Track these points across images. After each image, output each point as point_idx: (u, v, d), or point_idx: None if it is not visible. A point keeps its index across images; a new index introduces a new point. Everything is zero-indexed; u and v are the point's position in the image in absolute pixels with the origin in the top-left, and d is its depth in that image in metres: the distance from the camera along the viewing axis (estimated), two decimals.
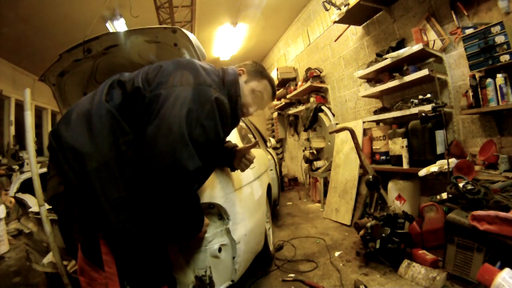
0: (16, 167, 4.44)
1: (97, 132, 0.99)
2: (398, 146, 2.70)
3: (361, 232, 2.13)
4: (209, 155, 1.11)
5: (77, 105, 1.09)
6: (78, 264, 1.06)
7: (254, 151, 1.58)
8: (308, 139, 4.57)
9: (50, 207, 1.26)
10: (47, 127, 6.48)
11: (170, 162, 0.91)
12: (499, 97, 1.98)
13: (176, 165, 0.91)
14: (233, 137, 2.21)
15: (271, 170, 3.33)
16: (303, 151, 4.55)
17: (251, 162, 1.52)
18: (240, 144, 2.23)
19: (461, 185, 1.84)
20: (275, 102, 6.39)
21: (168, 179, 0.92)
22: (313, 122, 4.27)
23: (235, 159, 1.50)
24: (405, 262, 1.92)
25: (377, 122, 3.26)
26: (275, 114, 6.73)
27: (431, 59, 2.58)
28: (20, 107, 5.17)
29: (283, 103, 5.91)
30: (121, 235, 0.97)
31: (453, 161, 2.19)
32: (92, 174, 0.94)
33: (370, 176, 2.43)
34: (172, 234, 1.22)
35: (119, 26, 4.33)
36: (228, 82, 1.21)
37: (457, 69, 2.49)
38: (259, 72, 1.34)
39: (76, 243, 1.08)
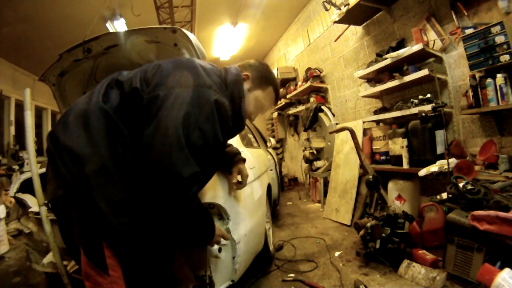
0: (16, 167, 4.44)
1: (95, 134, 0.96)
2: (398, 146, 2.70)
3: (361, 232, 2.13)
4: (209, 159, 1.07)
5: (74, 106, 1.06)
6: (82, 269, 1.03)
7: (254, 151, 1.60)
8: (308, 139, 4.57)
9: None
10: (47, 127, 6.49)
11: (164, 167, 0.88)
12: (499, 97, 1.98)
13: (170, 170, 0.89)
14: (233, 138, 2.21)
15: (271, 170, 3.33)
16: (303, 151, 4.55)
17: (243, 185, 1.55)
18: (240, 145, 2.23)
19: (461, 185, 1.84)
20: None
21: (162, 184, 0.90)
22: (313, 122, 4.26)
23: (234, 169, 1.51)
24: (405, 262, 1.92)
25: (377, 122, 3.26)
26: (275, 114, 6.73)
27: (431, 59, 2.58)
28: (20, 107, 5.17)
29: (283, 103, 5.91)
30: (123, 238, 0.95)
31: (453, 161, 2.19)
32: (90, 176, 0.92)
33: (370, 176, 2.43)
34: (179, 241, 1.18)
35: (119, 26, 4.33)
36: (230, 83, 1.16)
37: (457, 69, 2.48)
38: (265, 78, 1.27)
39: (78, 247, 1.05)
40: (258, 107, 1.27)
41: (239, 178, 1.52)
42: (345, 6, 3.16)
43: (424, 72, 2.46)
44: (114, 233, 0.94)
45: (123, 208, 0.94)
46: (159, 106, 0.95)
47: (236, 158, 1.51)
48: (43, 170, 1.89)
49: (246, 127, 3.33)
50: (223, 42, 6.08)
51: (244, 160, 1.56)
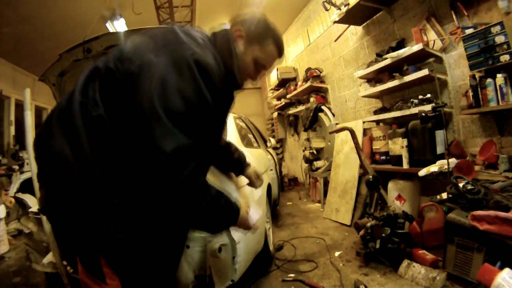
0: (16, 167, 4.44)
1: (77, 134, 0.86)
2: (398, 146, 2.70)
3: (361, 232, 2.13)
4: (204, 129, 0.93)
5: (57, 106, 0.96)
6: (80, 278, 0.97)
7: (254, 151, 1.60)
8: (308, 139, 4.57)
9: None
10: None
11: (145, 146, 0.78)
12: (499, 97, 1.98)
13: (150, 147, 0.77)
14: (233, 138, 2.21)
15: (271, 170, 3.33)
16: (303, 151, 4.55)
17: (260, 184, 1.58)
18: (240, 145, 2.23)
19: (461, 185, 1.84)
20: (275, 102, 6.39)
21: (148, 167, 0.78)
22: (313, 122, 4.27)
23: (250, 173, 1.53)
24: (405, 262, 1.92)
25: (377, 122, 3.26)
26: (275, 114, 6.73)
27: (431, 59, 2.58)
28: (20, 107, 5.16)
29: (283, 103, 5.91)
30: (117, 246, 0.86)
31: (453, 161, 2.19)
32: (76, 182, 0.84)
33: (370, 176, 2.43)
34: (194, 227, 1.10)
35: (119, 26, 4.33)
36: (219, 43, 1.02)
37: (457, 69, 2.48)
38: (263, 32, 1.08)
39: (74, 255, 0.98)
40: (259, 66, 1.10)
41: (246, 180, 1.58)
42: (345, 6, 3.16)
43: (424, 72, 2.46)
44: (107, 241, 0.86)
45: (115, 214, 0.86)
46: (134, 83, 0.84)
47: (247, 163, 1.55)
48: None
49: (246, 127, 3.35)
50: None
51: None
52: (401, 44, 2.91)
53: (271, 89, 6.51)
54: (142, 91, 0.81)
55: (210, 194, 0.90)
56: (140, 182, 0.84)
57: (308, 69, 4.76)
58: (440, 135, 2.44)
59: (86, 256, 0.93)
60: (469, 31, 2.12)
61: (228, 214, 0.98)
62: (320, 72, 4.62)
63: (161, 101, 0.78)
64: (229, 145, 1.50)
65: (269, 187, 2.67)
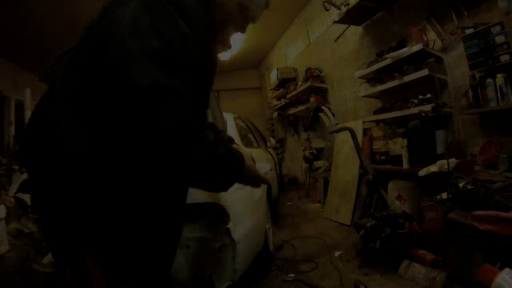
0: (16, 167, 4.44)
1: (59, 127, 0.77)
2: (398, 146, 2.70)
3: (361, 232, 2.13)
4: (192, 72, 0.79)
5: (39, 101, 0.87)
6: (69, 282, 0.92)
7: (254, 151, 1.57)
8: (308, 139, 4.57)
9: None
10: None
11: (118, 87, 0.67)
12: (499, 97, 1.98)
13: (124, 86, 0.65)
14: (233, 138, 2.21)
15: (271, 170, 3.33)
16: (303, 151, 4.55)
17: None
18: (240, 145, 2.23)
19: (461, 185, 1.84)
20: (275, 102, 6.39)
21: (126, 113, 0.67)
22: (313, 122, 4.26)
23: None
24: (405, 262, 1.92)
25: (377, 122, 3.26)
26: (275, 114, 6.73)
27: (431, 59, 2.58)
28: (20, 107, 5.17)
29: (283, 103, 5.91)
30: (106, 244, 0.80)
31: (453, 161, 2.19)
32: (60, 178, 0.77)
33: (370, 176, 2.43)
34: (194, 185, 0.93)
35: None
36: None
37: (457, 69, 2.48)
38: None
39: (64, 259, 0.92)
40: (246, 14, 1.03)
41: None
42: (345, 6, 3.16)
43: (424, 72, 2.46)
44: (95, 239, 0.80)
45: (103, 209, 0.79)
46: (106, 35, 0.73)
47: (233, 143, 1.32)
48: None
49: (246, 127, 3.35)
50: None
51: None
52: (401, 44, 2.90)
53: (271, 89, 6.51)
54: (114, 36, 0.71)
55: (208, 141, 0.76)
56: (128, 160, 0.75)
57: (308, 69, 4.76)
58: (440, 135, 2.44)
59: (73, 260, 0.86)
60: (469, 31, 2.12)
61: (232, 165, 0.83)
62: (320, 72, 4.62)
63: (135, 40, 0.68)
64: (213, 125, 1.33)
65: (269, 187, 2.67)
